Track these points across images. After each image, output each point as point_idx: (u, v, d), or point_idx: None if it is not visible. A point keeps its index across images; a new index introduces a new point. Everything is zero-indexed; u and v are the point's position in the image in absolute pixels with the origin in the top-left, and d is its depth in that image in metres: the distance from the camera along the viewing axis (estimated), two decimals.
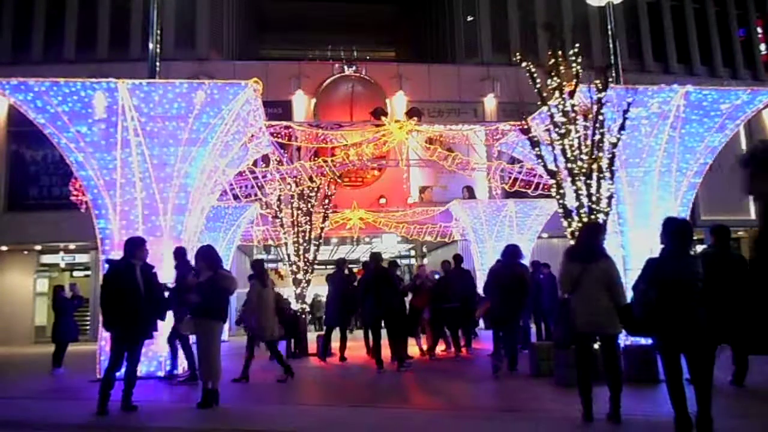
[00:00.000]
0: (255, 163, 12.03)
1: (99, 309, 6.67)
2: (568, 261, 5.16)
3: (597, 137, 7.74)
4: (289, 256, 12.66)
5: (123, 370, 6.15)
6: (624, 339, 8.41)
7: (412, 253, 26.07)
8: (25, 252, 20.26)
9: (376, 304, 9.19)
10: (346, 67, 22.53)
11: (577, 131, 7.79)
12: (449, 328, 10.87)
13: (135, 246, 6.32)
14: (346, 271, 11.55)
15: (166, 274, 7.70)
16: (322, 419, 5.78)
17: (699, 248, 12.85)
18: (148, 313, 6.16)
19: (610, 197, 7.82)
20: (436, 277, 11.55)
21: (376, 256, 9.88)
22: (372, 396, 7.22)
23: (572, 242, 7.79)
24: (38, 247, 20.23)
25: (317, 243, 12.78)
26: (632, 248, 9.13)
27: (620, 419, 4.88)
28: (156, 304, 6.37)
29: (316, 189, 12.77)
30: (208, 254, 6.39)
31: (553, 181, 8.03)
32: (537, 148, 8.17)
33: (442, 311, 10.41)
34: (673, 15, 26.67)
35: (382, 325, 9.32)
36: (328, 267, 17.40)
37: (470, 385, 7.90)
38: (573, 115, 7.80)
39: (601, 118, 7.75)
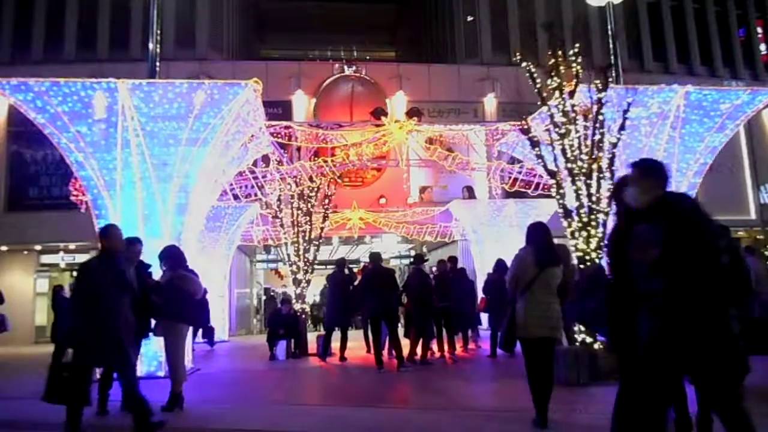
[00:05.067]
0: (255, 163, 12.03)
1: None
2: (530, 264, 4.88)
3: (597, 137, 7.74)
4: (289, 256, 12.67)
5: None
6: None
7: (413, 253, 26.08)
8: (25, 252, 20.26)
9: (377, 303, 9.18)
10: (346, 67, 22.54)
11: (577, 131, 7.79)
12: (446, 329, 10.79)
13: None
14: (346, 271, 11.56)
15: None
16: (322, 419, 5.78)
17: None
18: (143, 313, 6.14)
19: (610, 197, 7.82)
20: None
21: (375, 256, 9.89)
22: (372, 396, 7.21)
23: (572, 241, 7.80)
24: (38, 247, 20.23)
25: (317, 243, 12.78)
26: None
27: (547, 424, 4.78)
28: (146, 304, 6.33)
29: (316, 189, 12.77)
30: (169, 254, 6.30)
31: (553, 181, 8.03)
32: (537, 148, 8.17)
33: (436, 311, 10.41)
34: (673, 15, 26.69)
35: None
36: (328, 267, 17.40)
37: (470, 385, 7.91)
38: (573, 115, 7.80)
39: (601, 118, 7.75)
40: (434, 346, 10.37)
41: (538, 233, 5.12)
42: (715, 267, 2.94)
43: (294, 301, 12.37)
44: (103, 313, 4.71)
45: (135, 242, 6.35)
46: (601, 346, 7.38)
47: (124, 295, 4.90)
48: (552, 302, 4.91)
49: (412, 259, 10.66)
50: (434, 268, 12.03)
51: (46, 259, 20.77)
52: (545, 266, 4.88)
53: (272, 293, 23.93)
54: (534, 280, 4.85)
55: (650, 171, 3.31)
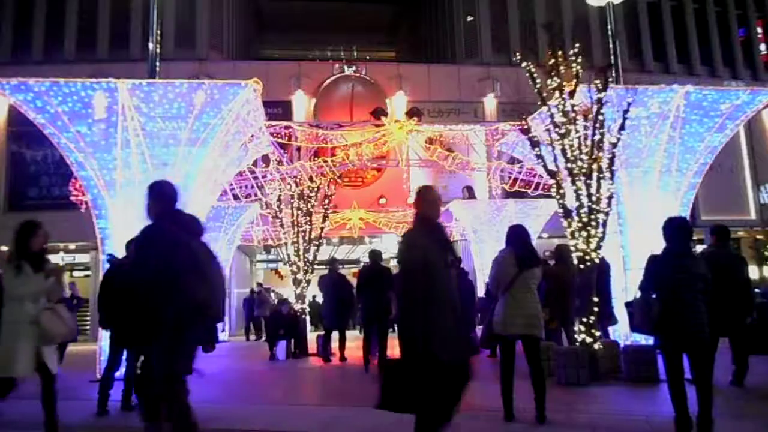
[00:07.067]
0: (255, 163, 12.03)
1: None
2: (511, 265, 5.04)
3: (597, 137, 7.73)
4: (289, 256, 12.67)
5: (123, 369, 6.15)
6: (624, 339, 8.43)
7: None
8: None
9: (371, 303, 9.08)
10: (346, 67, 22.57)
11: (577, 131, 7.78)
12: None
13: (127, 245, 6.31)
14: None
15: None
16: (321, 419, 5.78)
17: (699, 248, 12.89)
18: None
19: (610, 197, 7.82)
20: None
21: (374, 254, 9.84)
22: (372, 396, 7.21)
23: (565, 242, 7.80)
24: None
25: (317, 243, 12.78)
26: (632, 248, 9.13)
27: (545, 419, 4.90)
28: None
29: (316, 189, 12.78)
30: None
31: (553, 181, 8.02)
32: (537, 148, 8.17)
33: None
34: (673, 15, 26.71)
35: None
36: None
37: (470, 384, 7.89)
38: (573, 115, 7.79)
39: (601, 118, 7.74)
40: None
41: (518, 235, 5.23)
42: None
43: (294, 301, 12.37)
44: (441, 295, 3.64)
45: None
46: (600, 346, 7.39)
47: (450, 274, 3.89)
48: (530, 301, 5.05)
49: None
50: None
51: None
52: (525, 267, 5.03)
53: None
54: (514, 281, 5.01)
55: (151, 194, 3.81)
